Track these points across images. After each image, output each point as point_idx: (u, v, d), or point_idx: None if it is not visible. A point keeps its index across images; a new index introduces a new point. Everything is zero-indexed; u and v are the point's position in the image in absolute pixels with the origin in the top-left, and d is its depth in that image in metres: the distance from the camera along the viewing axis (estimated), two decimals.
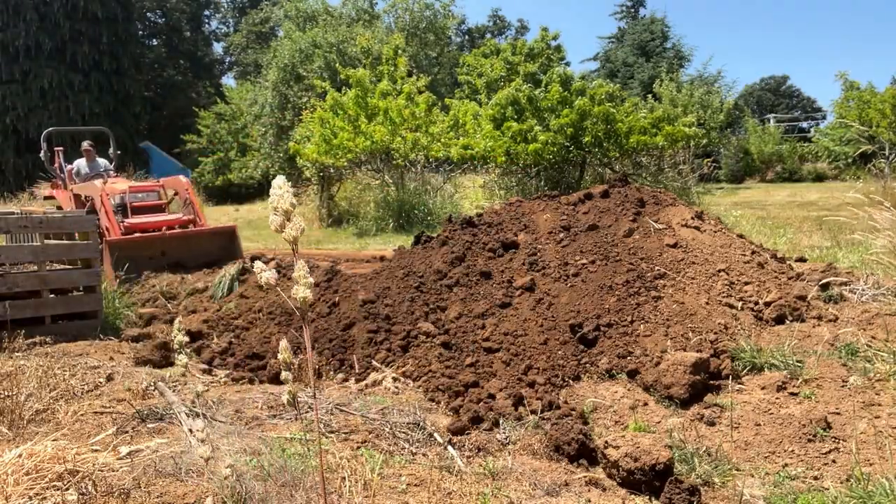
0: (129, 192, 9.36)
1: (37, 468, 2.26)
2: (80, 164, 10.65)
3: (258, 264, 1.55)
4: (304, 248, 11.81)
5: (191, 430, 3.05)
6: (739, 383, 3.66)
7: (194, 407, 3.43)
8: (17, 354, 4.57)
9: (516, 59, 22.28)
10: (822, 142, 21.97)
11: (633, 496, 2.68)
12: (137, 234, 8.63)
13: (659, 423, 3.38)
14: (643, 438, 2.84)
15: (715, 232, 5.05)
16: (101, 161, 10.82)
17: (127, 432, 3.15)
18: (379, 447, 3.08)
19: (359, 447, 3.06)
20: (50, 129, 11.37)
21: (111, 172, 10.58)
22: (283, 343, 1.56)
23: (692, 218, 5.08)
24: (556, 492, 2.67)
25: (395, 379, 3.91)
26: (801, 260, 6.24)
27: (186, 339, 1.80)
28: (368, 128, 14.41)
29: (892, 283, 4.79)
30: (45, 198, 12.00)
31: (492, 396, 3.57)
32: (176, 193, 10.14)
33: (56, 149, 10.99)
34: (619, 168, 13.14)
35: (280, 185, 1.48)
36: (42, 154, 10.91)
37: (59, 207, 10.36)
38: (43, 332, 5.15)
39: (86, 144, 10.69)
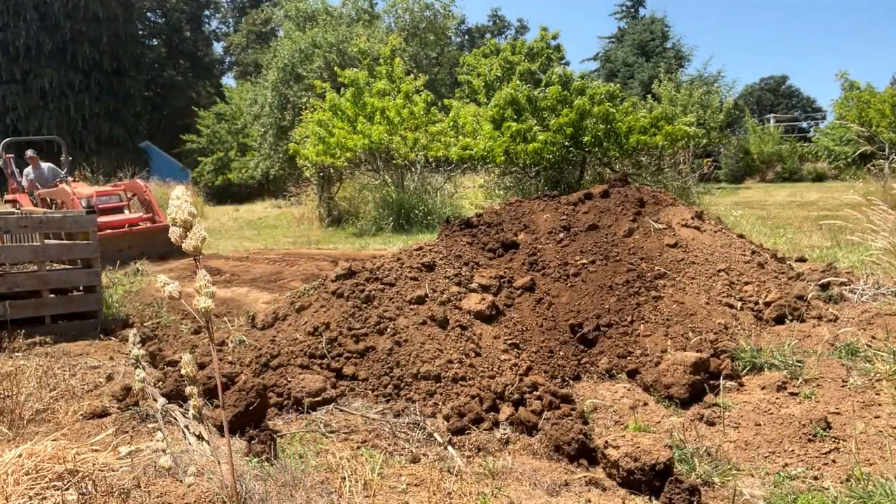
0: (96, 195, 11.03)
1: (37, 468, 2.26)
2: (28, 171, 12.10)
3: (161, 277, 1.53)
4: (303, 248, 11.81)
5: (188, 429, 3.05)
6: (739, 383, 3.66)
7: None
8: (17, 354, 4.58)
9: (516, 59, 22.29)
10: (821, 142, 21.96)
11: (633, 496, 2.68)
12: (108, 231, 9.93)
13: (659, 423, 3.38)
14: (643, 438, 2.84)
15: (715, 232, 5.05)
16: (46, 166, 12.40)
17: (127, 432, 3.15)
18: (379, 447, 3.08)
19: (359, 447, 3.07)
20: (8, 139, 13.23)
21: (69, 178, 12.13)
22: (186, 357, 1.54)
23: (692, 218, 5.08)
24: (556, 492, 2.67)
25: None
26: (801, 260, 6.23)
27: (142, 351, 1.78)
28: (366, 127, 14.41)
29: (892, 283, 4.79)
30: (6, 201, 13.06)
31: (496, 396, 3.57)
32: (134, 195, 11.67)
33: (7, 156, 12.62)
34: (619, 168, 13.13)
35: (178, 196, 1.44)
36: (1, 162, 12.57)
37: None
38: (43, 332, 5.16)
39: (30, 153, 12.28)
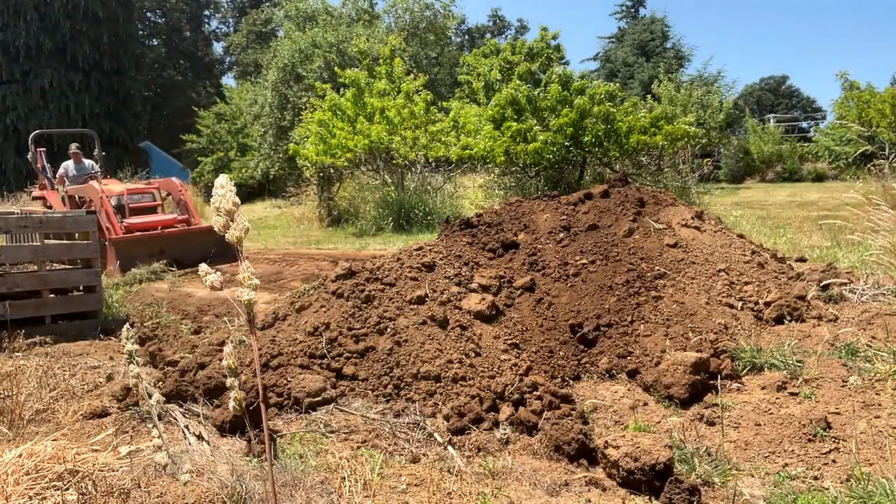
0: (127, 193, 10.12)
1: (37, 468, 2.26)
2: (69, 165, 11.13)
3: (202, 267, 1.50)
4: (303, 248, 11.82)
5: (188, 429, 3.05)
6: (739, 383, 3.66)
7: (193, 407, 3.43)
8: (17, 354, 4.58)
9: (516, 59, 22.31)
10: (822, 142, 21.94)
11: (633, 496, 2.68)
12: (138, 233, 9.19)
13: (659, 423, 3.38)
14: (643, 438, 2.84)
15: (715, 232, 5.05)
16: (88, 162, 11.38)
17: (127, 432, 3.16)
18: (379, 447, 3.08)
19: (359, 447, 3.07)
20: (38, 131, 12.50)
21: (99, 175, 11.25)
22: (227, 349, 1.54)
23: (692, 218, 5.08)
24: (556, 492, 2.67)
25: None
26: (801, 260, 6.23)
27: (137, 346, 1.77)
28: (366, 127, 14.42)
29: (892, 283, 4.79)
30: (34, 198, 12.22)
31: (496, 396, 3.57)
32: (169, 194, 10.73)
33: (38, 150, 11.77)
34: (619, 168, 13.12)
35: (222, 185, 1.44)
36: (30, 155, 11.84)
37: (50, 208, 10.72)
38: (43, 332, 5.16)
39: (73, 147, 11.22)
